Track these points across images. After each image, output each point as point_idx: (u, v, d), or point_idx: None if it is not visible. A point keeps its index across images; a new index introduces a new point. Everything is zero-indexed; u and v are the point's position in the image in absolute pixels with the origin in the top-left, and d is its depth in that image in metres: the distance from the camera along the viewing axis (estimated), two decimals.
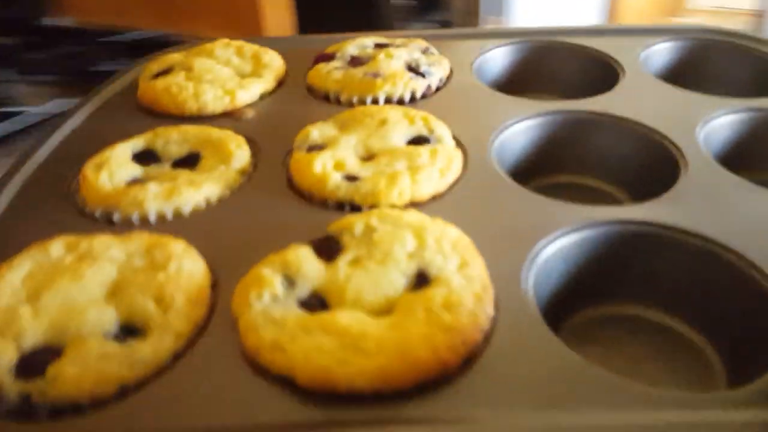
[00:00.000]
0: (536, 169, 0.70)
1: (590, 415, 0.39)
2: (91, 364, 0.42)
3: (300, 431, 0.39)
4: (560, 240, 0.52)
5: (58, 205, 0.60)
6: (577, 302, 0.55)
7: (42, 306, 0.46)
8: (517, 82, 0.84)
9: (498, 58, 0.85)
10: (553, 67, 0.84)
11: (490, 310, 0.45)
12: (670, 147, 0.63)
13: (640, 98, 0.71)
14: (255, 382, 0.42)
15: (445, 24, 1.51)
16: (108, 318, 0.46)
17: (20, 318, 0.45)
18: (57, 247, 0.51)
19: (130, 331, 0.46)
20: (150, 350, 0.44)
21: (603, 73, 0.79)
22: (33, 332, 0.45)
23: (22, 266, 0.50)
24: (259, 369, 0.42)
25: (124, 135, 0.69)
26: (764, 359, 0.44)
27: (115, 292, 0.48)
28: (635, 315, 0.54)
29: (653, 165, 0.64)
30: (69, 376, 0.42)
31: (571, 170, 0.71)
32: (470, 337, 0.42)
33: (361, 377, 0.40)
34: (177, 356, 0.44)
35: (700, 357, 0.51)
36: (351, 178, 0.58)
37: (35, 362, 0.43)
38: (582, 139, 0.69)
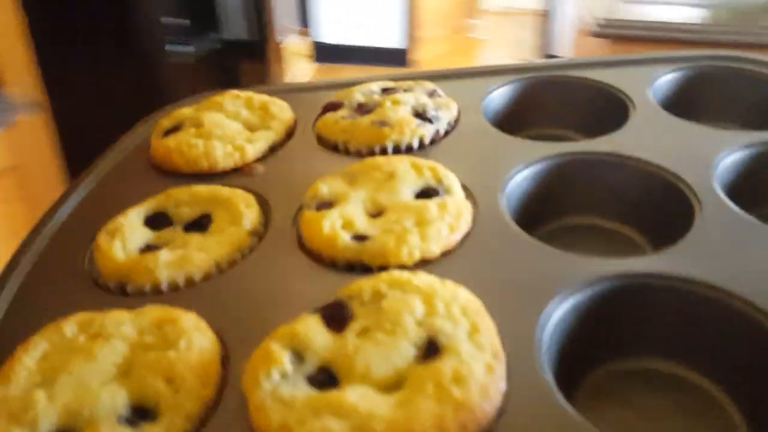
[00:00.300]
0: (549, 212, 0.69)
1: None
2: None
3: None
4: (574, 296, 0.51)
5: (74, 277, 0.61)
6: (592, 358, 0.53)
7: (56, 390, 0.47)
8: (526, 120, 0.83)
9: (505, 95, 0.84)
10: (563, 102, 0.83)
11: (501, 382, 0.44)
12: (684, 188, 0.62)
13: (652, 135, 0.70)
14: None
15: (229, 44, 1.42)
16: (120, 400, 0.46)
17: (35, 403, 0.46)
18: (70, 326, 0.52)
19: (142, 411, 0.46)
20: None
21: (613, 108, 0.78)
22: (48, 418, 0.45)
23: (37, 348, 0.50)
24: None
25: (137, 197, 0.70)
26: None
27: (126, 372, 0.48)
28: (653, 369, 0.53)
29: (667, 206, 0.63)
30: None
31: (585, 211, 0.70)
32: (481, 415, 0.41)
33: None
34: None
35: (720, 413, 0.50)
36: (359, 238, 0.58)
37: None
38: (594, 181, 0.68)
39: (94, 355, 0.49)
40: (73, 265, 0.62)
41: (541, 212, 0.69)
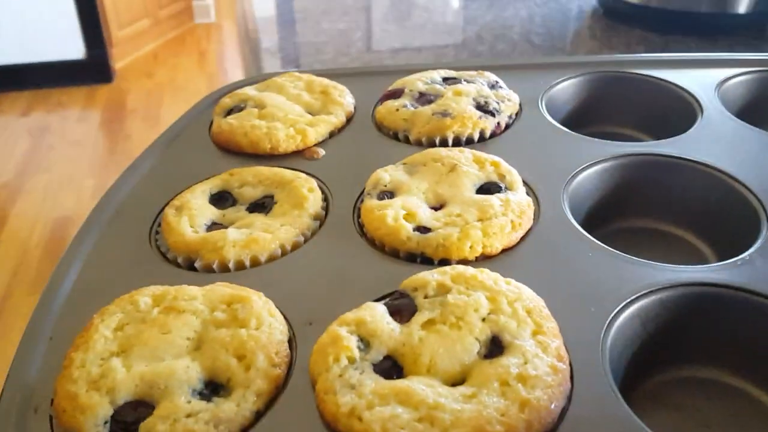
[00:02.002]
0: (609, 213, 0.69)
1: None
2: (180, 423, 0.45)
3: None
4: (639, 302, 0.51)
5: (141, 250, 0.63)
6: (654, 363, 0.54)
7: (133, 360, 0.49)
8: (589, 116, 0.83)
9: (568, 90, 0.83)
10: (628, 101, 0.82)
11: (566, 383, 0.45)
12: (751, 198, 0.61)
13: (720, 141, 0.69)
14: None
15: None
16: (194, 374, 0.48)
17: (113, 372, 0.48)
18: (144, 299, 0.54)
19: (214, 386, 0.48)
20: (233, 410, 0.46)
21: (680, 109, 0.76)
22: (125, 387, 0.47)
23: (113, 318, 0.52)
24: None
25: (200, 174, 0.71)
26: None
27: (199, 347, 0.50)
28: (713, 379, 0.53)
29: (733, 216, 0.62)
30: None
31: (647, 214, 0.70)
32: (546, 414, 0.42)
33: None
34: (258, 416, 0.46)
35: None
36: (422, 230, 0.59)
37: (128, 418, 0.46)
38: (659, 184, 0.68)
39: (169, 329, 0.51)
40: (140, 238, 0.64)
41: (602, 212, 0.68)
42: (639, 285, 0.52)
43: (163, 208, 0.68)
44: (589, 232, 0.60)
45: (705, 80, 0.79)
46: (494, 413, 0.42)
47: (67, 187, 2.67)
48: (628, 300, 0.51)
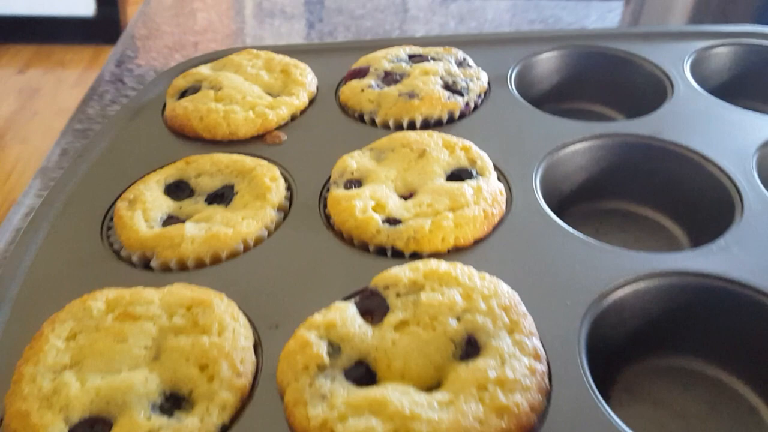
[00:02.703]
0: (582, 195, 0.68)
1: None
2: None
3: None
4: (615, 294, 0.50)
5: (93, 247, 0.59)
6: (631, 354, 0.53)
7: (87, 372, 0.46)
8: (557, 93, 0.81)
9: (537, 66, 0.81)
10: (598, 76, 0.80)
11: (544, 383, 0.43)
12: (724, 179, 0.60)
13: (691, 118, 0.68)
14: None
15: None
16: (153, 387, 0.45)
17: (67, 387, 0.45)
18: (97, 304, 0.50)
19: (175, 399, 0.45)
20: (197, 425, 0.43)
21: (652, 85, 0.75)
22: (80, 403, 0.44)
23: (64, 326, 0.49)
24: None
25: (154, 162, 0.67)
26: None
27: (158, 356, 0.47)
28: (689, 368, 0.53)
29: (706, 197, 0.61)
30: None
31: (619, 196, 0.68)
32: (526, 420, 0.41)
33: None
34: (224, 430, 0.44)
35: (754, 417, 0.50)
36: (392, 222, 0.57)
37: None
38: (629, 165, 0.66)
39: (125, 337, 0.47)
40: (91, 234, 0.60)
41: (574, 194, 0.67)
42: (614, 275, 0.51)
43: (115, 201, 0.63)
44: (561, 215, 0.59)
45: (676, 53, 0.77)
46: (473, 422, 0.40)
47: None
48: (604, 291, 0.50)
